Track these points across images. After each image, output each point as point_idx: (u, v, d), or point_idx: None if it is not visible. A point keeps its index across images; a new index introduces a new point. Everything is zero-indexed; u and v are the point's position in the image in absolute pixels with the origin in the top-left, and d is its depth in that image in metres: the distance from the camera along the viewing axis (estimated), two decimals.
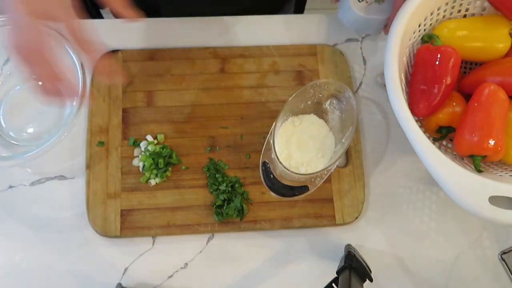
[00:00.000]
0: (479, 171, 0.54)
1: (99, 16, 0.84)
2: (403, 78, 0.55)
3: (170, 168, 0.61)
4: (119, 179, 0.60)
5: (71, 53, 0.58)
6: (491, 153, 0.52)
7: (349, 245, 0.61)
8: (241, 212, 0.60)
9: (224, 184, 0.60)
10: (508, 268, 0.61)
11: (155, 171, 0.60)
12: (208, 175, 0.61)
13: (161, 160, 0.60)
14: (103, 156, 0.61)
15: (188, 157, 0.62)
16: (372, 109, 0.67)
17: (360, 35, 0.70)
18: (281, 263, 0.61)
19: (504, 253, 0.62)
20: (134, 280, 0.60)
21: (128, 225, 0.59)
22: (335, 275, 0.54)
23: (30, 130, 0.63)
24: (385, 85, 0.53)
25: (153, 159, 0.60)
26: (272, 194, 0.57)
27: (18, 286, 0.59)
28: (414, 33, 0.58)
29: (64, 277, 0.60)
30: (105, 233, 0.59)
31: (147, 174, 0.60)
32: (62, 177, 0.62)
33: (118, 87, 0.63)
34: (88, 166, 0.60)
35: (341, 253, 0.60)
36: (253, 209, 0.61)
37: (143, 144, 0.61)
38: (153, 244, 0.61)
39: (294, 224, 0.61)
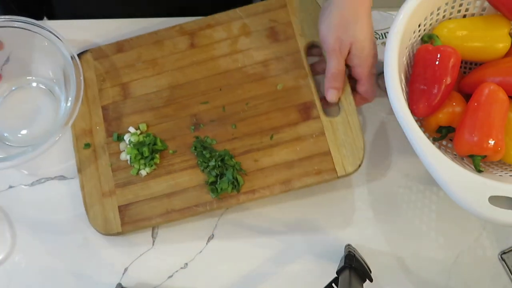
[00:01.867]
0: (479, 171, 0.54)
1: (51, 17, 0.82)
2: (403, 78, 0.55)
3: (157, 155, 0.60)
4: (111, 177, 0.60)
5: (65, 53, 0.58)
6: (491, 153, 0.52)
7: (349, 245, 0.61)
8: (236, 185, 0.58)
9: (213, 160, 0.59)
10: (508, 268, 0.61)
11: (142, 161, 0.60)
12: (196, 154, 0.60)
13: (145, 149, 0.59)
14: (92, 157, 0.61)
15: (174, 140, 0.61)
16: (372, 109, 0.67)
17: None
18: (281, 263, 0.61)
19: (504, 253, 0.62)
20: (134, 280, 0.60)
21: (128, 220, 0.59)
22: (335, 275, 0.54)
23: (25, 131, 0.63)
24: (385, 87, 0.53)
25: (137, 149, 0.59)
26: None
27: (18, 286, 0.59)
28: (414, 33, 0.58)
29: (64, 277, 0.60)
30: (107, 232, 0.58)
31: (135, 166, 0.60)
32: (62, 177, 0.62)
33: (93, 86, 0.63)
34: (80, 170, 0.60)
35: (341, 253, 0.60)
36: (249, 179, 0.59)
37: (126, 137, 0.61)
38: (153, 244, 0.61)
39: (295, 185, 0.59)
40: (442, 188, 0.49)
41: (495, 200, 0.47)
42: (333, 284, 0.53)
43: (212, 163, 0.59)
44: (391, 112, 0.52)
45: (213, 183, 0.59)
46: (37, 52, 0.63)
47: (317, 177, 0.59)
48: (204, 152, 0.60)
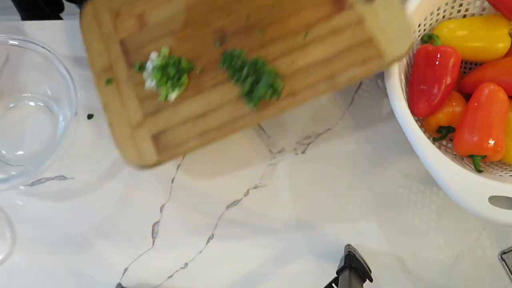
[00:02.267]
0: (479, 171, 0.54)
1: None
2: (403, 78, 0.55)
3: (184, 76, 0.57)
4: (139, 108, 0.56)
5: (61, 68, 0.57)
6: (491, 153, 0.52)
7: (349, 245, 0.61)
8: (275, 89, 0.53)
9: (246, 68, 0.54)
10: (508, 268, 0.61)
11: (169, 84, 0.56)
12: (225, 68, 0.55)
13: (170, 69, 0.55)
14: (115, 92, 0.57)
15: (200, 59, 0.57)
16: (372, 109, 0.67)
17: None
18: (281, 263, 0.61)
19: (504, 253, 0.62)
20: (134, 280, 0.60)
21: (163, 148, 0.55)
22: (335, 275, 0.54)
23: (22, 149, 0.62)
24: (385, 87, 0.53)
25: (162, 71, 0.56)
26: None
27: (18, 286, 0.59)
28: (414, 33, 0.58)
29: (64, 277, 0.60)
30: (143, 165, 0.54)
31: (163, 91, 0.56)
32: (62, 177, 0.62)
33: (107, 23, 0.60)
34: (105, 107, 0.57)
35: (341, 253, 0.60)
36: (288, 83, 0.53)
37: (149, 64, 0.57)
38: (153, 244, 0.61)
39: (341, 79, 0.52)
40: (442, 188, 0.49)
41: (495, 200, 0.47)
42: (333, 284, 0.53)
43: (244, 71, 0.54)
44: (391, 112, 0.52)
45: (249, 92, 0.54)
46: (32, 69, 0.62)
47: (363, 68, 0.52)
48: (233, 63, 0.55)
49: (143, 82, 0.57)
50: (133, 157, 0.55)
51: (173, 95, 0.56)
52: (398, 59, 0.52)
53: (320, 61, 0.54)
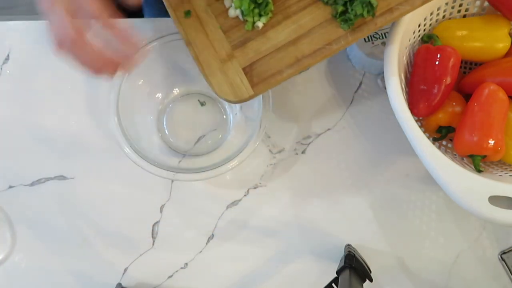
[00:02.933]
0: (479, 171, 0.54)
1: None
2: (403, 78, 0.55)
3: (270, 1, 0.54)
4: (225, 39, 0.53)
5: None
6: (490, 153, 0.52)
7: (349, 245, 0.61)
8: (371, 6, 0.50)
9: None
10: (508, 268, 0.61)
11: (256, 11, 0.54)
12: None
13: None
14: (197, 24, 0.54)
15: None
16: (372, 109, 0.67)
17: None
18: (281, 263, 0.61)
19: (504, 253, 0.62)
20: (134, 280, 0.60)
21: (257, 80, 0.52)
22: (335, 275, 0.54)
23: (194, 139, 0.65)
24: (385, 87, 0.53)
25: None
26: None
27: (18, 286, 0.59)
28: (414, 33, 0.58)
29: (64, 277, 0.60)
30: (239, 99, 0.52)
31: (249, 19, 0.54)
32: (62, 177, 0.62)
33: None
34: (188, 43, 0.54)
35: (341, 253, 0.60)
36: None
37: None
38: (153, 244, 0.61)
39: None
40: (442, 188, 0.49)
41: (495, 200, 0.47)
42: (333, 284, 0.53)
43: None
44: (391, 112, 0.52)
45: (343, 12, 0.51)
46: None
47: None
48: None
49: (225, 11, 0.54)
50: (227, 92, 0.52)
51: (260, 23, 0.53)
52: None
53: None
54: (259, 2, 0.53)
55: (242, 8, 0.53)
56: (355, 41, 0.51)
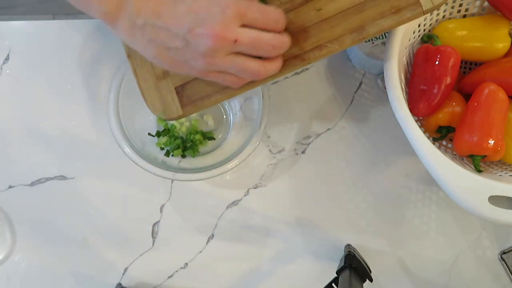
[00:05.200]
0: (479, 171, 0.54)
1: None
2: (403, 78, 0.55)
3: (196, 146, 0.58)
4: None
5: None
6: (490, 153, 0.52)
7: (349, 245, 0.61)
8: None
9: None
10: (508, 268, 0.61)
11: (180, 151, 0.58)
12: None
13: None
14: None
15: None
16: (372, 109, 0.67)
17: None
18: (281, 263, 0.61)
19: (504, 253, 0.62)
20: (134, 280, 0.60)
21: (187, 101, 0.54)
22: (335, 275, 0.54)
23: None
24: (385, 87, 0.53)
25: None
26: None
27: (18, 286, 0.59)
28: (414, 33, 0.58)
29: (64, 277, 0.60)
30: (168, 117, 0.54)
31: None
32: (62, 177, 0.62)
33: None
34: (129, 55, 0.55)
35: (341, 253, 0.60)
36: (314, 33, 0.50)
37: None
38: (153, 244, 0.61)
39: (369, 31, 0.49)
40: (442, 188, 0.49)
41: (495, 200, 0.47)
42: (333, 284, 0.53)
43: None
44: (391, 111, 0.52)
45: None
46: None
47: (395, 17, 0.48)
48: None
49: None
50: (158, 109, 0.54)
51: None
52: (435, 8, 0.47)
53: (349, 9, 0.49)
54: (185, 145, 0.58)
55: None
56: (282, 75, 0.51)
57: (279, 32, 0.44)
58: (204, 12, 0.38)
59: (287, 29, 0.49)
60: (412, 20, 0.48)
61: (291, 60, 0.50)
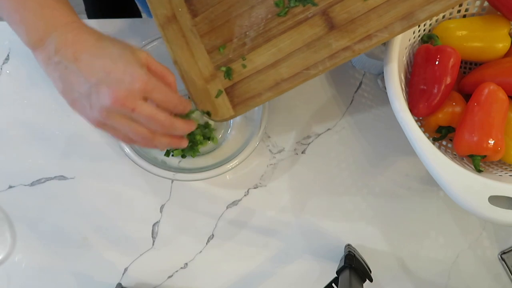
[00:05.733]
0: (479, 171, 0.54)
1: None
2: (403, 78, 0.55)
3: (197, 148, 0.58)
4: (208, 59, 0.54)
5: None
6: (490, 153, 0.52)
7: (349, 245, 0.61)
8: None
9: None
10: (508, 268, 0.61)
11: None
12: (288, 11, 0.53)
13: None
14: (183, 43, 0.55)
15: None
16: (372, 109, 0.67)
17: None
18: (281, 263, 0.61)
19: (504, 253, 0.62)
20: (134, 280, 0.60)
21: (238, 101, 0.54)
22: (335, 275, 0.54)
23: None
24: (385, 87, 0.53)
25: None
26: None
27: (18, 286, 0.59)
28: (414, 33, 0.58)
29: (64, 277, 0.60)
30: (220, 118, 0.54)
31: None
32: (62, 177, 0.62)
33: None
34: (175, 61, 0.55)
35: (341, 253, 0.60)
36: (362, 24, 0.50)
37: None
38: (153, 244, 0.61)
39: (419, 17, 0.48)
40: (442, 188, 0.49)
41: (495, 200, 0.47)
42: (333, 284, 0.53)
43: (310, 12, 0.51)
44: (391, 112, 0.52)
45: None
46: None
47: (444, 1, 0.47)
48: (296, 3, 0.52)
49: (209, 32, 0.55)
50: (210, 110, 0.54)
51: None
52: None
53: None
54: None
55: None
56: (332, 67, 0.51)
57: (175, 116, 0.47)
58: (116, 75, 0.41)
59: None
60: (461, 2, 0.48)
61: (341, 52, 0.51)
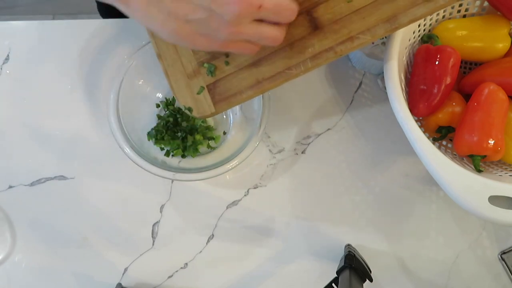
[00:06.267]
0: (479, 171, 0.54)
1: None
2: (403, 78, 0.55)
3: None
4: (192, 55, 0.54)
5: None
6: (490, 153, 0.52)
7: (349, 245, 0.61)
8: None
9: None
10: (508, 268, 0.61)
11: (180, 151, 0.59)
12: None
13: None
14: None
15: None
16: (372, 109, 0.67)
17: None
18: (281, 263, 0.61)
19: (504, 253, 0.62)
20: (134, 280, 0.60)
21: (219, 98, 0.54)
22: (335, 275, 0.54)
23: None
24: (385, 87, 0.53)
25: None
26: None
27: (18, 286, 0.59)
28: (414, 33, 0.58)
29: (64, 277, 0.60)
30: (201, 114, 0.54)
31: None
32: (62, 177, 0.62)
33: None
34: (159, 56, 0.55)
35: (341, 253, 0.60)
36: (345, 25, 0.50)
37: None
38: (153, 244, 0.61)
39: (402, 20, 0.48)
40: (442, 188, 0.49)
41: (495, 200, 0.47)
42: (333, 284, 0.53)
43: None
44: (390, 111, 0.52)
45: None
46: None
47: (429, 4, 0.47)
48: None
49: None
50: (191, 106, 0.54)
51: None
52: None
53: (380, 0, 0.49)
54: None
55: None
56: (314, 68, 0.51)
57: None
58: None
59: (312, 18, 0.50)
60: (445, 7, 0.47)
61: (323, 53, 0.50)
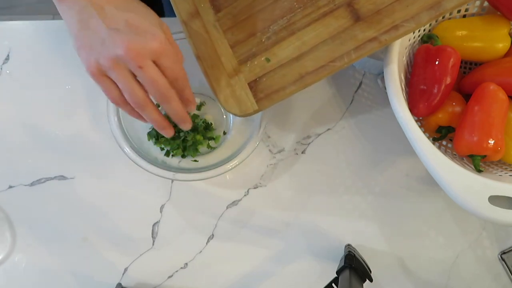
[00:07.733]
0: (479, 171, 0.54)
1: None
2: (403, 78, 0.55)
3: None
4: (232, 54, 0.54)
5: None
6: (490, 153, 0.52)
7: (349, 245, 0.61)
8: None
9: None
10: (508, 268, 0.61)
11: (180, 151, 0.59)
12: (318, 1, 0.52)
13: None
14: (206, 39, 0.55)
15: None
16: (372, 109, 0.67)
17: None
18: (281, 263, 0.61)
19: (504, 253, 0.62)
20: (134, 280, 0.60)
21: (261, 95, 0.53)
22: (335, 275, 0.54)
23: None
24: (385, 87, 0.53)
25: None
26: None
27: (18, 286, 0.59)
28: (414, 33, 0.58)
29: (64, 277, 0.60)
30: (243, 113, 0.54)
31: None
32: (62, 177, 0.62)
33: None
34: (198, 57, 0.54)
35: (341, 253, 0.60)
36: (387, 14, 0.50)
37: None
38: (153, 244, 0.61)
39: (446, 6, 0.48)
40: (442, 188, 0.49)
41: (495, 200, 0.47)
42: (333, 284, 0.53)
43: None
44: (390, 111, 0.52)
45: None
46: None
47: None
48: None
49: (232, 27, 0.55)
50: (233, 106, 0.54)
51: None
52: None
53: None
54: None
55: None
56: (358, 59, 0.51)
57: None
58: (137, 30, 0.41)
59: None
60: None
61: (367, 43, 0.50)
